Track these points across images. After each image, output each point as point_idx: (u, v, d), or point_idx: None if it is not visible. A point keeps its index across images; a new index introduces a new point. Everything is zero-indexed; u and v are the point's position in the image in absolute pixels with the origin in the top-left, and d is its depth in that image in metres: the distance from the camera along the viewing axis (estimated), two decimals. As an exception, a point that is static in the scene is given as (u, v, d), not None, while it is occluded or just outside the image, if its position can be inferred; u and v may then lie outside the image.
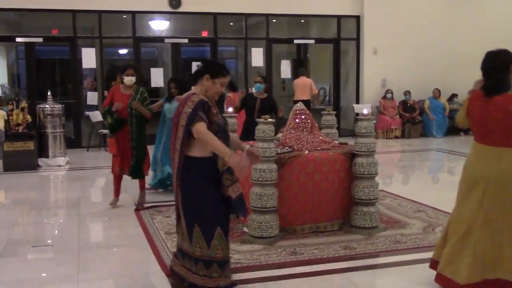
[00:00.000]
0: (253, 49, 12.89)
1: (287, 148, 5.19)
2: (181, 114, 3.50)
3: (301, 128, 5.43)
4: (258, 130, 4.86)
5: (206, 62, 3.84)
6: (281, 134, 5.56)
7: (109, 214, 6.15)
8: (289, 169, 4.98)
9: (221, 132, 3.57)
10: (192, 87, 3.67)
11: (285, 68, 13.53)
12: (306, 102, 10.59)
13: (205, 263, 3.56)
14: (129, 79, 6.15)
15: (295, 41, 14.05)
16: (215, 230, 3.54)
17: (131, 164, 6.17)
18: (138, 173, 6.26)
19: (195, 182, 3.54)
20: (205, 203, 3.55)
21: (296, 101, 11.47)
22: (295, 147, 5.21)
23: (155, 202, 6.54)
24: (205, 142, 3.45)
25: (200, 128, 3.44)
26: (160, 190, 7.18)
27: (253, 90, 7.27)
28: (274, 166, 4.84)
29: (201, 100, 3.51)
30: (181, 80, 7.26)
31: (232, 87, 10.02)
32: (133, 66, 6.40)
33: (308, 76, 12.41)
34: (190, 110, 3.46)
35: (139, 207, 6.28)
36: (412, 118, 13.20)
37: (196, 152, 3.53)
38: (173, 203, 6.39)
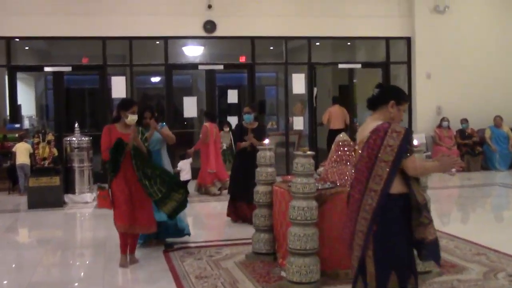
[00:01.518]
0: (293, 75, 12.95)
1: (328, 183, 5.15)
2: (381, 147, 3.33)
3: (344, 161, 5.38)
4: (296, 164, 4.84)
5: (387, 87, 3.66)
6: (322, 168, 5.52)
7: (136, 255, 6.17)
8: (330, 206, 4.93)
9: None
10: (369, 116, 3.57)
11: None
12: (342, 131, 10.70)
13: None
14: (134, 118, 5.82)
15: (340, 66, 14.02)
16: (409, 279, 3.36)
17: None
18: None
19: (397, 223, 3.36)
20: (403, 246, 3.38)
21: (332, 130, 11.66)
22: (337, 182, 5.16)
23: (186, 243, 6.55)
24: (424, 174, 3.43)
25: (416, 163, 3.32)
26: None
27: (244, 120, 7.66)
28: (314, 203, 4.79)
29: (408, 130, 3.39)
30: (156, 108, 6.88)
31: (211, 117, 10.13)
32: (137, 103, 6.17)
33: (341, 104, 12.76)
34: (399, 143, 3.31)
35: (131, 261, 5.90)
36: (471, 149, 12.88)
37: (395, 188, 3.35)
38: (205, 244, 6.49)
